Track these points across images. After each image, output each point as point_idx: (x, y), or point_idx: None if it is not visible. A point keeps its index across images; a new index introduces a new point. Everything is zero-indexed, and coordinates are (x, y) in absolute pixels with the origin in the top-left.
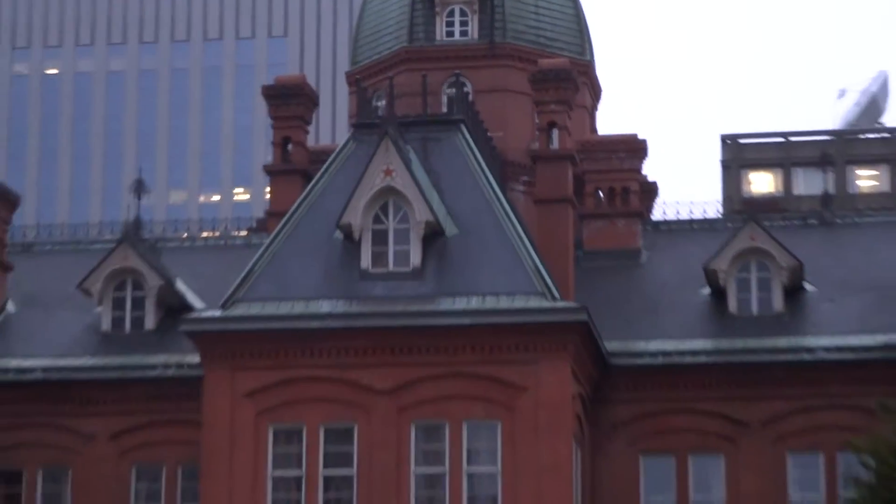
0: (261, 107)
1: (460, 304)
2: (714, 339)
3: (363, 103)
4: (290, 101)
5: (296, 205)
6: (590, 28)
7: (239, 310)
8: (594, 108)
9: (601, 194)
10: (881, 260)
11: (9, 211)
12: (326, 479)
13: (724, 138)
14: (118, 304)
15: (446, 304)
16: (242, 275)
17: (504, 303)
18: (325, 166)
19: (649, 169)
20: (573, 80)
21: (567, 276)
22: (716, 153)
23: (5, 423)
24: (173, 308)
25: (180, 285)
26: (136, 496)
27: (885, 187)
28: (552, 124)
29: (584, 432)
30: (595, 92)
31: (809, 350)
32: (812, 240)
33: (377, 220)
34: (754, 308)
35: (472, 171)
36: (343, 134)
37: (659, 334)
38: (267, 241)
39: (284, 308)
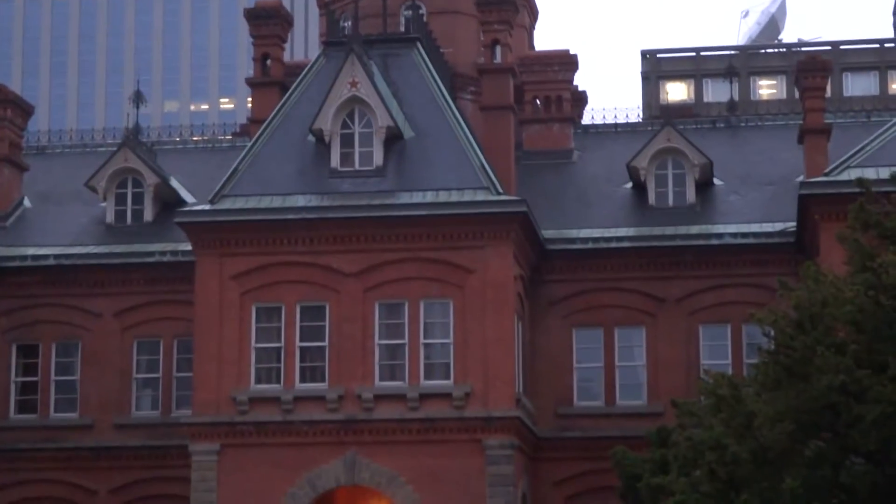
0: (243, 27)
1: (417, 197)
2: (636, 227)
3: (332, 24)
4: (268, 22)
5: (274, 112)
6: None
7: (225, 204)
8: (532, 27)
9: (538, 102)
10: (780, 159)
11: (24, 119)
12: (302, 350)
13: (644, 53)
14: (120, 200)
15: (405, 198)
16: (228, 173)
17: (455, 196)
18: (298, 79)
19: (579, 80)
20: (513, 3)
21: (509, 173)
22: (636, 66)
23: (23, 304)
24: (168, 202)
25: (174, 183)
26: (138, 366)
27: (783, 95)
28: (496, 42)
29: (524, 308)
30: (532, 13)
31: (718, 236)
32: (720, 141)
33: (344, 125)
34: (670, 200)
35: (426, 82)
36: (315, 50)
37: (589, 223)
38: (249, 144)
39: (265, 202)
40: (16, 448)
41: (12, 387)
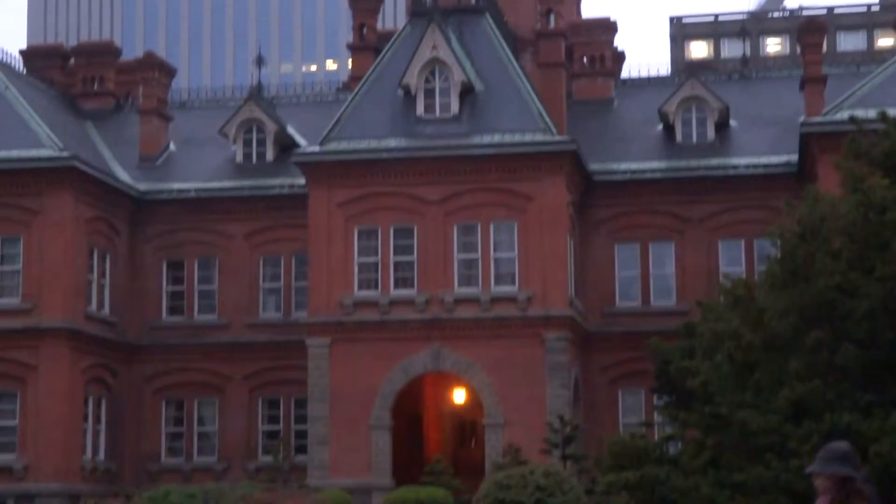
0: (344, 1)
1: (487, 139)
2: (666, 161)
3: None
4: None
5: (369, 71)
6: None
7: (332, 146)
8: None
9: (585, 60)
10: (784, 103)
11: (168, 79)
12: (395, 264)
13: (672, 18)
14: (247, 144)
15: (477, 139)
16: (333, 121)
17: (517, 138)
18: (389, 43)
19: (619, 41)
20: None
21: (562, 118)
22: (665, 29)
23: (171, 228)
24: (286, 146)
25: (290, 129)
26: (264, 276)
27: (787, 51)
28: (549, 10)
29: (575, 228)
30: None
31: (734, 167)
32: (735, 90)
33: (427, 81)
34: (694, 138)
35: (493, 45)
36: (402, 20)
37: (627, 158)
38: (350, 97)
39: (363, 144)
40: (168, 343)
41: (164, 294)
